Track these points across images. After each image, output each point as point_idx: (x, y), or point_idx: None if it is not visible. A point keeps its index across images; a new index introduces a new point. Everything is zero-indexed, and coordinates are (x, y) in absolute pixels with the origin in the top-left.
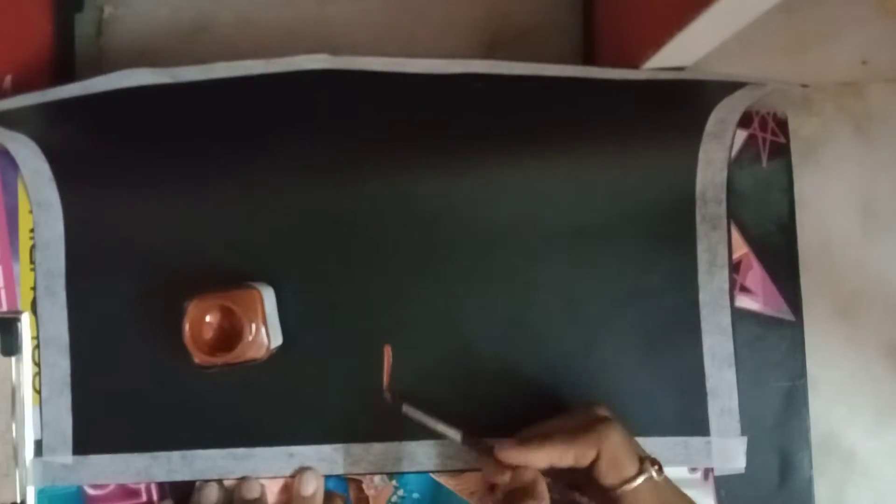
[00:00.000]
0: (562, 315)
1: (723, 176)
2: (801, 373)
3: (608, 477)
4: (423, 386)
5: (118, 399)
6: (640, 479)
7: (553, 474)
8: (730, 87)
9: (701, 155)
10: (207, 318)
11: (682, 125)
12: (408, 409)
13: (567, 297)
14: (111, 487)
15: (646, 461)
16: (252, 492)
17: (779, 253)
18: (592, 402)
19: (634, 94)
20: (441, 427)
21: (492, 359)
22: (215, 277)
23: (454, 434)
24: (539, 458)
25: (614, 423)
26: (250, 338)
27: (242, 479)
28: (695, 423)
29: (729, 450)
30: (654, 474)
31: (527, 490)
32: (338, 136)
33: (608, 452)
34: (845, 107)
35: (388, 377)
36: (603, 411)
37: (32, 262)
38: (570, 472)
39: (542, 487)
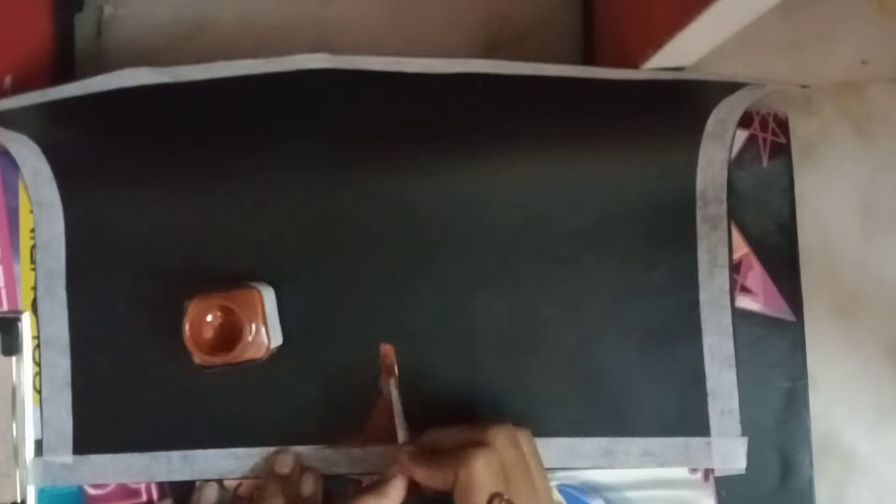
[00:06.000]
0: (562, 315)
1: (723, 176)
2: (802, 373)
3: None
4: (422, 385)
5: (118, 399)
6: None
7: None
8: (730, 87)
9: (701, 155)
10: (207, 318)
11: (682, 125)
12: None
13: (567, 297)
14: (111, 487)
15: (496, 499)
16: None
17: (779, 253)
18: (495, 421)
19: (635, 94)
20: (399, 420)
21: (491, 359)
22: (215, 277)
23: (402, 434)
24: (418, 474)
25: (484, 450)
26: (250, 338)
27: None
28: (695, 423)
29: (729, 450)
30: None
31: (377, 485)
32: (337, 135)
33: (463, 480)
34: (845, 107)
35: (387, 375)
36: (490, 435)
37: (33, 261)
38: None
39: (393, 489)
